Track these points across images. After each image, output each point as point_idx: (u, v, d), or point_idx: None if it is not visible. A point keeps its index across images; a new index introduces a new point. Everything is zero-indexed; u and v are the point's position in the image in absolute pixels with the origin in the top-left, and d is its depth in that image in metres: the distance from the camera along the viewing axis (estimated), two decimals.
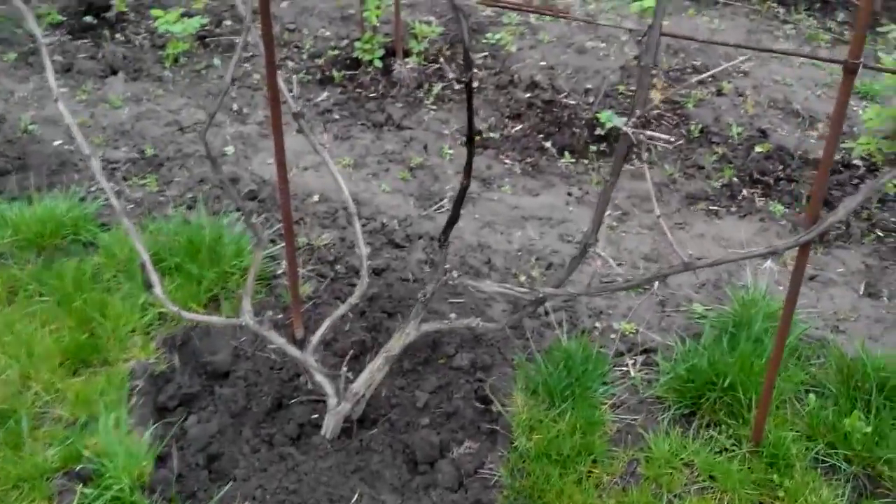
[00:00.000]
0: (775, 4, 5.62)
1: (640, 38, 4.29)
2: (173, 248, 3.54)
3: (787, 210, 3.98)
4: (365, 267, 2.91)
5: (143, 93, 4.70)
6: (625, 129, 2.40)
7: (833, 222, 2.40)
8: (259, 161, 4.23)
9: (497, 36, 5.20)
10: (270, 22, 2.76)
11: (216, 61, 4.99)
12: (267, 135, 4.38)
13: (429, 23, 5.23)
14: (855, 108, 4.67)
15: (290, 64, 5.02)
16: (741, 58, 5.07)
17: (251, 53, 4.95)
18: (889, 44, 5.11)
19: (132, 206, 3.91)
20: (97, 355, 3.18)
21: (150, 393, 3.09)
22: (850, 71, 2.18)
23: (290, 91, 2.83)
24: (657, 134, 2.25)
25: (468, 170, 2.81)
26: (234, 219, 3.72)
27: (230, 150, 4.28)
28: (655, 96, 4.73)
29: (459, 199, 2.90)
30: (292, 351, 2.83)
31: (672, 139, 2.66)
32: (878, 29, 5.36)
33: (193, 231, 3.56)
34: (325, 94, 4.75)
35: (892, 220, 3.90)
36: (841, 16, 5.51)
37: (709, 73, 3.20)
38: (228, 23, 5.28)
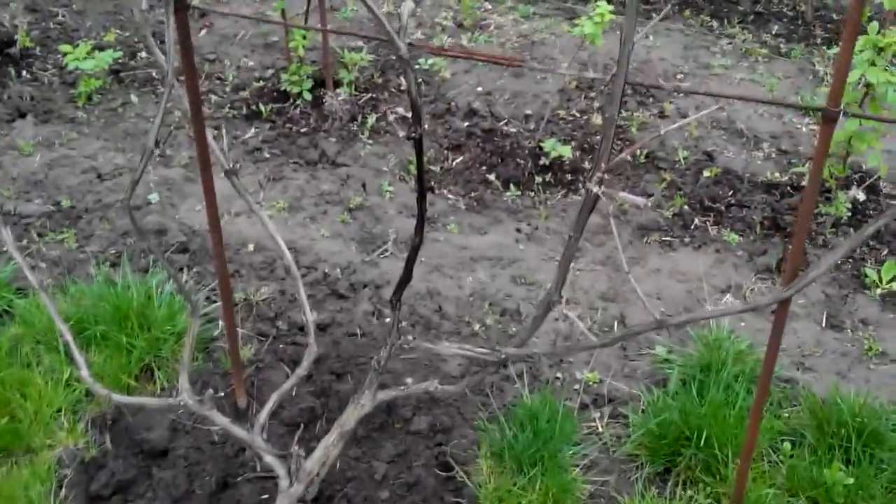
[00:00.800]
0: (709, 18, 5.54)
1: (603, 88, 4.14)
2: (98, 314, 3.25)
3: (741, 239, 3.87)
4: (312, 334, 2.68)
5: (56, 136, 4.37)
6: (592, 188, 2.22)
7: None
8: (187, 208, 3.95)
9: (430, 61, 5.01)
10: (195, 71, 2.51)
11: (133, 98, 4.68)
12: (193, 179, 4.10)
13: (358, 49, 5.00)
14: (798, 126, 4.60)
15: (213, 98, 4.74)
16: (679, 75, 4.97)
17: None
18: (826, 61, 5.07)
19: (49, 266, 3.60)
20: (19, 443, 2.89)
21: (81, 483, 2.82)
22: (829, 119, 2.04)
23: (220, 146, 2.58)
24: (631, 196, 2.07)
25: (420, 227, 2.60)
26: (164, 277, 3.44)
27: (154, 197, 3.99)
28: (596, 120, 4.59)
29: (411, 259, 2.69)
30: (238, 432, 2.59)
31: (647, 202, 2.49)
32: (816, 41, 5.33)
33: (119, 295, 3.28)
34: (252, 131, 4.49)
35: None
36: (775, 28, 5.46)
37: (683, 122, 3.05)
38: (143, 55, 4.97)
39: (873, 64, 3.26)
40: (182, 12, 2.36)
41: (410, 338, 2.81)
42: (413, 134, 2.40)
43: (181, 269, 3.65)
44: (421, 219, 2.58)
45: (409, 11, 2.36)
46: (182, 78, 2.49)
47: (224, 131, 4.46)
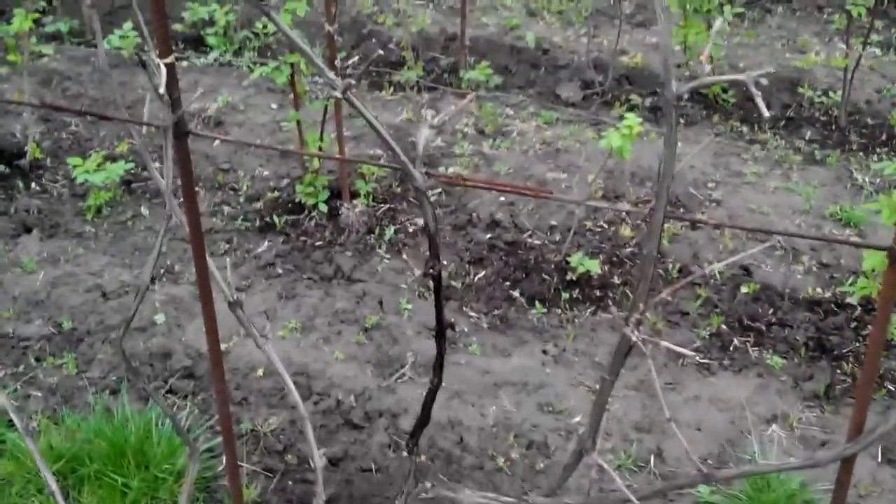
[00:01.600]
0: (738, 123, 5.38)
1: (642, 221, 3.93)
2: (93, 451, 3.01)
3: (784, 362, 3.60)
4: (320, 479, 2.42)
5: (61, 252, 4.20)
6: (627, 332, 1.98)
7: (884, 433, 1.99)
8: (194, 329, 3.74)
9: (451, 169, 4.84)
10: (195, 199, 2.33)
11: (144, 210, 4.53)
12: None
13: (378, 158, 4.86)
14: (835, 232, 4.36)
15: (227, 209, 4.58)
16: (710, 184, 4.77)
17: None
18: (865, 169, 4.86)
19: (45, 394, 3.38)
20: None
21: None
22: None
23: (224, 274, 2.38)
24: (673, 346, 1.84)
25: (439, 367, 2.38)
26: (163, 405, 3.20)
27: (160, 318, 3.78)
28: (624, 232, 4.38)
29: (429, 401, 2.45)
30: None
31: (693, 354, 2.25)
32: (851, 147, 5.14)
33: (116, 431, 3.04)
34: (265, 244, 4.31)
35: None
36: (808, 133, 5.27)
37: (728, 261, 2.82)
38: (157, 164, 4.83)
39: None
40: (182, 139, 2.19)
41: (428, 484, 2.54)
42: (431, 270, 2.19)
43: (185, 397, 3.42)
44: (440, 358, 2.35)
45: (425, 138, 2.18)
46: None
47: (236, 245, 4.30)
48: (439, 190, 4.69)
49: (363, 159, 4.67)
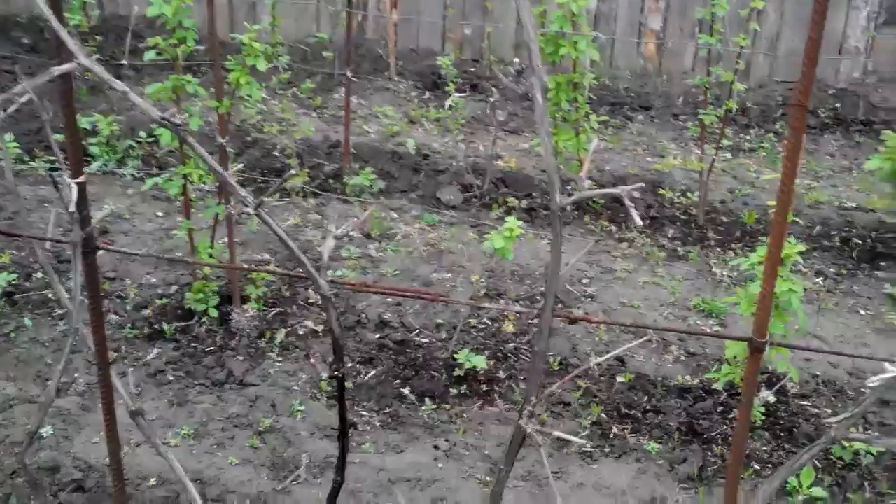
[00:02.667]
0: (607, 223, 5.74)
1: (532, 319, 4.16)
2: None
3: (660, 447, 3.83)
4: None
5: None
6: (522, 424, 2.15)
7: None
8: (82, 441, 3.70)
9: (339, 272, 4.99)
10: (102, 317, 2.40)
11: (27, 321, 4.47)
12: (91, 408, 3.88)
13: (266, 263, 4.96)
14: (703, 327, 4.70)
15: (114, 318, 4.57)
16: (585, 280, 5.07)
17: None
18: (722, 263, 5.26)
19: None
20: None
21: None
22: (756, 350, 2.05)
23: (125, 383, 2.44)
24: (565, 435, 2.01)
25: (341, 466, 2.49)
26: None
27: (48, 430, 3.73)
28: (508, 328, 4.60)
29: (332, 499, 2.55)
30: None
31: (582, 442, 2.43)
32: (710, 243, 5.55)
33: None
34: (155, 352, 4.32)
35: (764, 449, 3.82)
36: (671, 231, 5.68)
37: (608, 356, 3.06)
38: (39, 276, 4.80)
39: None
40: (90, 255, 2.27)
41: None
42: (335, 372, 2.32)
43: None
44: (342, 457, 2.46)
45: (330, 249, 2.33)
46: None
47: (124, 354, 4.29)
48: (334, 287, 4.80)
49: (266, 268, 4.76)
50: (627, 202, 1.99)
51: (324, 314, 4.68)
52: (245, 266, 4.78)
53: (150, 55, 3.78)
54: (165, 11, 3.60)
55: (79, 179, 2.10)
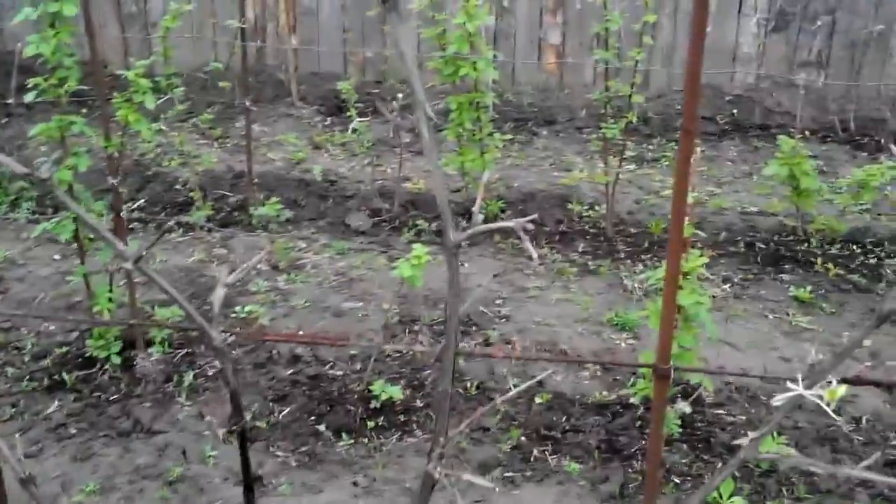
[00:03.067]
0: (518, 240, 5.74)
1: (433, 361, 4.10)
2: None
3: (581, 467, 3.81)
4: None
5: None
6: (430, 470, 2.09)
7: None
8: None
9: (247, 308, 4.86)
10: None
11: None
12: None
13: (172, 302, 4.80)
14: (617, 342, 4.71)
15: (10, 370, 4.36)
16: (498, 301, 5.05)
17: None
18: (632, 275, 5.30)
19: None
20: None
21: None
22: (662, 376, 2.04)
23: (17, 456, 2.29)
24: (475, 478, 1.96)
25: None
26: None
27: None
28: (424, 360, 4.54)
29: None
30: None
31: (490, 484, 2.38)
32: (620, 256, 5.59)
33: None
34: (56, 404, 4.13)
35: (683, 461, 3.84)
36: (581, 245, 5.71)
37: (523, 387, 3.05)
38: None
39: (680, 287, 3.39)
40: None
41: None
42: (234, 427, 2.22)
43: None
44: None
45: (220, 298, 2.24)
46: None
47: (22, 408, 4.09)
48: (238, 328, 4.68)
49: (158, 322, 4.59)
50: (522, 235, 1.95)
51: (235, 350, 4.55)
52: (144, 314, 4.61)
53: (30, 97, 3.61)
54: (44, 51, 3.45)
55: None
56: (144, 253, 1.88)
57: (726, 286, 5.23)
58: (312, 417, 4.12)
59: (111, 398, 4.17)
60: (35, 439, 3.90)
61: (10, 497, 2.62)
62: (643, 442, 3.95)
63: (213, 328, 2.14)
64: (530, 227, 2.08)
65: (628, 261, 5.53)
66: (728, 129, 7.63)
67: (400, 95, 6.17)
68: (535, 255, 1.88)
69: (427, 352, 4.17)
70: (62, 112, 3.76)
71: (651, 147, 7.23)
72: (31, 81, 3.71)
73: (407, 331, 4.76)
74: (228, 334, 2.22)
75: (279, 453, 3.92)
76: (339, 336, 2.53)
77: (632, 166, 6.85)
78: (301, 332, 4.71)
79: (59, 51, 3.52)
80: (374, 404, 4.13)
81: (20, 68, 6.60)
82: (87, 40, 3.69)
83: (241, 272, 2.16)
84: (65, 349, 4.51)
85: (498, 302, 5.04)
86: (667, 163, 6.97)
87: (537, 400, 4.22)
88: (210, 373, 4.36)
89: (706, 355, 4.42)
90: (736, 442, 3.61)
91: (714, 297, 5.08)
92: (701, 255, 3.51)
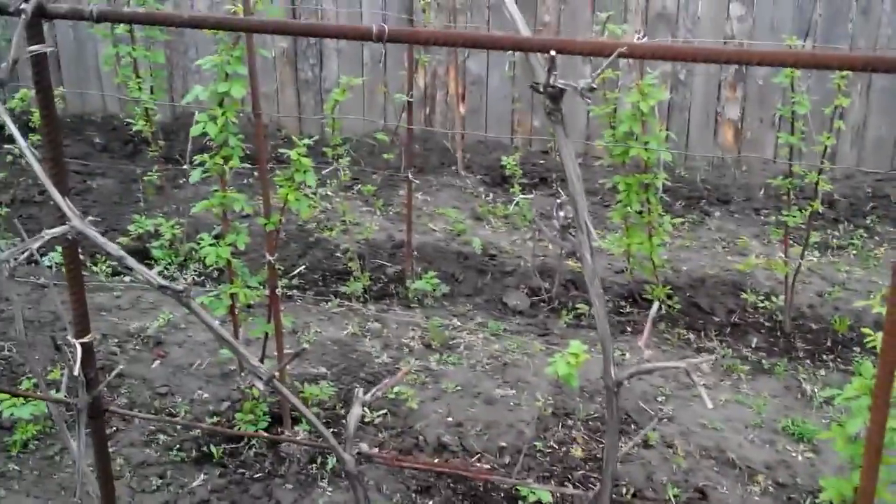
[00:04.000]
0: (685, 331, 5.37)
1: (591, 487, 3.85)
2: None
3: None
4: None
5: None
6: None
7: None
8: None
9: (396, 390, 4.72)
10: (113, 488, 2.18)
11: (73, 443, 4.30)
12: None
13: (321, 378, 4.74)
14: (794, 454, 4.27)
15: (162, 438, 4.37)
16: (660, 398, 4.70)
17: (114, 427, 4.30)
18: (813, 378, 4.84)
19: None
20: None
21: None
22: None
23: None
24: None
25: None
26: None
27: None
28: (576, 453, 4.25)
29: None
30: None
31: None
32: (798, 355, 5.13)
33: None
34: (202, 478, 4.09)
35: None
36: (755, 341, 5.28)
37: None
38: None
39: None
40: (98, 419, 2.06)
41: None
42: None
43: None
44: None
45: (356, 418, 2.08)
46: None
47: (169, 480, 4.08)
48: (384, 411, 4.55)
49: (292, 439, 4.51)
50: (694, 378, 1.71)
51: (381, 433, 4.41)
52: (292, 390, 4.56)
53: (195, 175, 3.65)
54: (210, 131, 3.47)
55: (83, 339, 1.90)
56: (276, 374, 1.74)
57: None
58: None
59: (255, 476, 4.10)
60: None
61: None
62: None
63: (348, 449, 1.98)
64: (706, 368, 1.83)
65: (808, 361, 5.05)
66: None
67: (562, 214, 5.95)
68: (709, 404, 1.63)
69: (576, 494, 3.88)
70: (222, 189, 3.77)
71: (837, 233, 6.69)
72: (196, 158, 3.75)
73: (560, 424, 4.49)
74: (363, 457, 2.06)
75: None
76: (477, 472, 2.32)
77: (815, 254, 6.35)
78: (450, 418, 4.52)
79: (226, 129, 3.54)
80: None
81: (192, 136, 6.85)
82: (254, 119, 3.70)
83: (378, 391, 2.00)
84: (215, 419, 4.50)
85: (660, 399, 4.69)
86: (854, 252, 6.42)
87: None
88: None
89: None
90: None
91: None
92: None
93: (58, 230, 1.81)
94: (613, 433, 1.75)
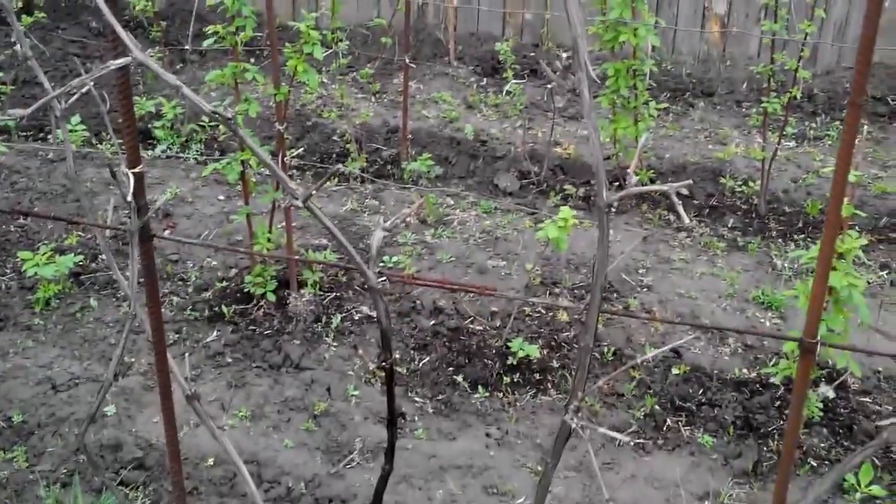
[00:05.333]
0: (666, 212, 5.68)
1: (578, 316, 4.16)
2: None
3: (714, 440, 3.80)
4: None
5: (10, 345, 4.25)
6: (567, 420, 2.15)
7: None
8: (144, 420, 3.81)
9: (394, 258, 5.03)
10: (159, 302, 2.46)
11: (93, 302, 4.60)
12: (152, 387, 3.98)
13: (324, 247, 5.02)
14: (762, 320, 4.63)
15: (175, 299, 4.68)
16: (641, 270, 5.03)
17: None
18: (783, 255, 5.18)
19: None
20: None
21: None
22: (807, 351, 2.02)
23: (182, 370, 2.49)
24: (610, 431, 2.02)
25: (390, 454, 2.52)
26: (121, 498, 3.26)
27: (111, 409, 3.85)
28: (562, 317, 4.59)
29: (381, 487, 2.58)
30: None
31: (627, 439, 2.42)
32: (771, 234, 5.45)
33: None
34: (215, 334, 4.41)
35: (822, 445, 3.77)
36: (731, 221, 5.59)
37: (661, 350, 3.06)
38: (104, 257, 4.93)
39: (834, 268, 3.31)
40: (147, 243, 2.33)
41: None
42: (384, 363, 2.35)
43: (136, 488, 3.48)
44: (391, 445, 2.49)
45: (379, 241, 2.35)
46: (146, 305, 2.44)
47: (185, 335, 4.39)
48: (384, 278, 4.85)
49: (316, 259, 4.82)
50: (675, 199, 1.97)
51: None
52: (299, 256, 4.84)
53: (208, 43, 3.84)
54: (225, 0, 3.66)
55: (136, 169, 2.15)
56: (314, 192, 2.01)
57: (884, 273, 5.03)
58: (451, 368, 4.25)
59: (265, 332, 4.42)
60: (195, 364, 4.19)
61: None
62: (781, 423, 3.89)
63: (371, 268, 2.26)
64: (684, 191, 2.10)
65: (780, 240, 5.38)
66: None
67: (564, 55, 6.15)
68: (686, 219, 1.91)
69: (570, 308, 4.22)
70: (235, 60, 3.97)
71: (814, 125, 6.96)
72: (209, 29, 3.93)
73: (548, 292, 4.82)
74: (382, 277, 2.34)
75: (417, 399, 4.07)
76: (483, 287, 2.62)
77: (791, 143, 6.63)
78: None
79: (239, 0, 3.72)
80: (510, 361, 4.22)
81: (196, 17, 6.97)
82: None
83: (398, 219, 2.27)
84: (225, 284, 4.79)
85: (641, 271, 5.02)
86: (830, 142, 6.70)
87: (674, 371, 4.21)
88: (356, 317, 4.56)
89: (856, 342, 4.28)
90: (879, 423, 3.52)
91: (869, 282, 4.91)
92: (859, 238, 3.40)
93: (121, 61, 2.03)
94: (604, 250, 2.03)
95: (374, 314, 4.63)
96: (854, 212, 3.46)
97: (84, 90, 2.10)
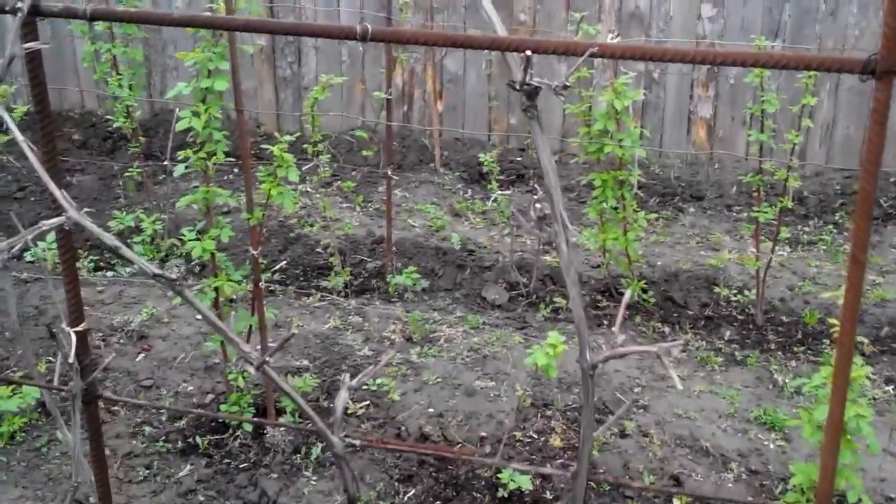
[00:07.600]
0: (660, 324, 5.50)
1: (566, 487, 3.93)
2: None
3: None
4: None
5: None
6: None
7: None
8: None
9: (378, 381, 4.81)
10: (106, 471, 2.25)
11: (59, 435, 4.36)
12: None
13: (304, 370, 4.82)
14: (765, 442, 4.40)
15: (147, 429, 4.44)
16: (636, 389, 4.82)
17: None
18: (784, 369, 4.98)
19: None
20: None
21: None
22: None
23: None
24: None
25: None
26: None
27: None
28: (555, 442, 4.36)
29: None
30: None
31: None
32: (770, 347, 5.27)
33: None
34: (188, 468, 4.16)
35: None
36: (727, 333, 5.41)
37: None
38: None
39: None
40: (92, 404, 2.14)
41: None
42: None
43: None
44: None
45: (344, 401, 2.16)
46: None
47: (156, 470, 4.14)
48: (367, 402, 4.64)
49: (279, 422, 4.60)
50: (665, 362, 1.81)
51: (364, 424, 4.50)
52: (271, 396, 4.62)
53: (179, 170, 3.72)
54: (196, 126, 3.54)
55: (78, 328, 1.97)
56: (268, 358, 1.83)
57: (889, 388, 4.83)
58: (438, 502, 4.00)
59: (240, 466, 4.17)
60: (165, 503, 3.93)
61: None
62: None
63: (335, 433, 2.06)
64: (675, 353, 1.93)
65: (779, 353, 5.19)
66: (893, 212, 7.15)
67: (538, 206, 6.06)
68: (679, 385, 1.73)
69: (558, 475, 3.99)
70: (206, 184, 3.84)
71: (807, 229, 6.85)
72: (180, 154, 3.81)
73: (539, 415, 4.60)
74: (348, 441, 2.15)
75: None
76: (459, 451, 2.42)
77: (786, 249, 6.50)
78: (431, 409, 4.61)
79: (210, 125, 3.61)
80: (501, 493, 3.97)
81: (177, 129, 6.90)
82: (237, 115, 3.77)
83: (366, 376, 2.09)
84: (200, 412, 4.56)
85: (636, 390, 4.81)
86: (824, 247, 6.58)
87: (675, 502, 3.96)
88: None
89: (866, 466, 4.06)
90: None
91: (875, 399, 4.70)
92: (863, 365, 3.21)
93: (55, 221, 1.88)
94: (590, 413, 1.85)
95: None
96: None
97: (20, 246, 1.94)
